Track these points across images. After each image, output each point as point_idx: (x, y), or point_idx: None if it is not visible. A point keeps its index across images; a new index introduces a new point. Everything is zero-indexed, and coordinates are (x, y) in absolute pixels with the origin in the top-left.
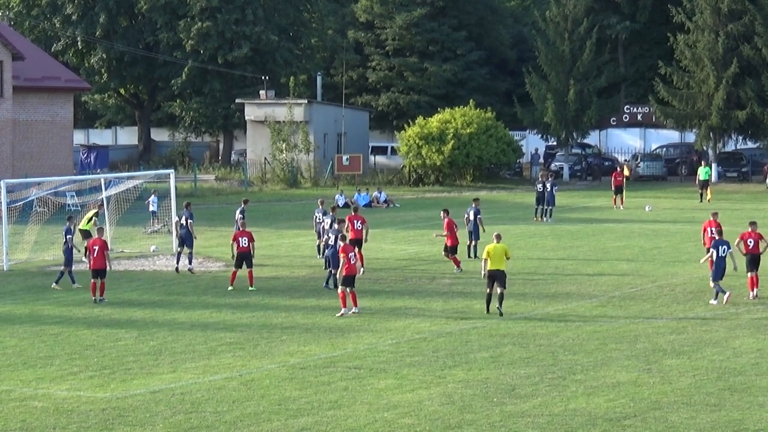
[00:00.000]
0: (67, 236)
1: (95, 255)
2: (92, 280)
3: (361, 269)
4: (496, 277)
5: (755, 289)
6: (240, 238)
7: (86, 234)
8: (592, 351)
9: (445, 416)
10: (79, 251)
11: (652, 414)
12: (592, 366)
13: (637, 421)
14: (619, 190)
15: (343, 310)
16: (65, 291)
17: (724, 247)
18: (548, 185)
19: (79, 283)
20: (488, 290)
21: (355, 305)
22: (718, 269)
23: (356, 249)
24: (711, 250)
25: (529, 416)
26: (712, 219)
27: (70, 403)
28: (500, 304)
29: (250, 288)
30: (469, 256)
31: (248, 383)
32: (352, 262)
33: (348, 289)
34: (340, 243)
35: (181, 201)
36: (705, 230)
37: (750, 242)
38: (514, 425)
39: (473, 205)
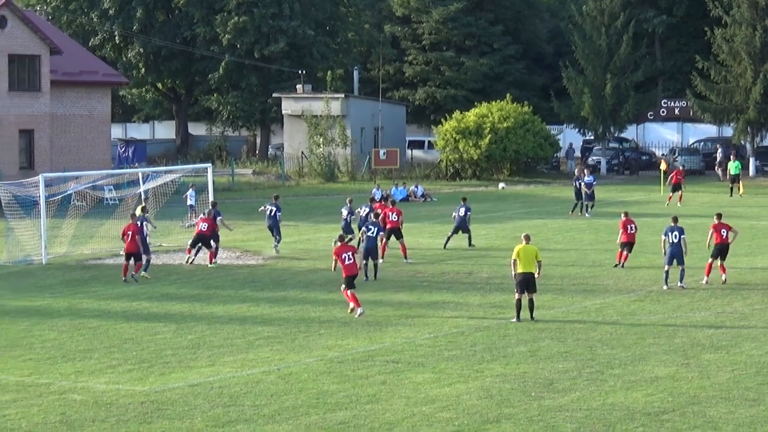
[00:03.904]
0: (143, 226)
1: (129, 239)
2: (124, 262)
3: (405, 260)
4: (527, 281)
5: (724, 276)
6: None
7: None
8: (630, 345)
9: (483, 410)
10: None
11: (690, 409)
12: (630, 360)
13: (676, 416)
14: (677, 188)
15: (359, 309)
16: (146, 281)
17: (676, 233)
18: (582, 181)
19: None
20: (518, 296)
21: (358, 306)
22: (671, 254)
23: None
24: (662, 237)
25: (567, 410)
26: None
27: (109, 396)
28: (531, 312)
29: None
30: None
31: (286, 377)
32: (347, 262)
33: (350, 291)
34: (336, 244)
35: (219, 195)
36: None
37: (723, 233)
38: (552, 419)
39: (463, 203)
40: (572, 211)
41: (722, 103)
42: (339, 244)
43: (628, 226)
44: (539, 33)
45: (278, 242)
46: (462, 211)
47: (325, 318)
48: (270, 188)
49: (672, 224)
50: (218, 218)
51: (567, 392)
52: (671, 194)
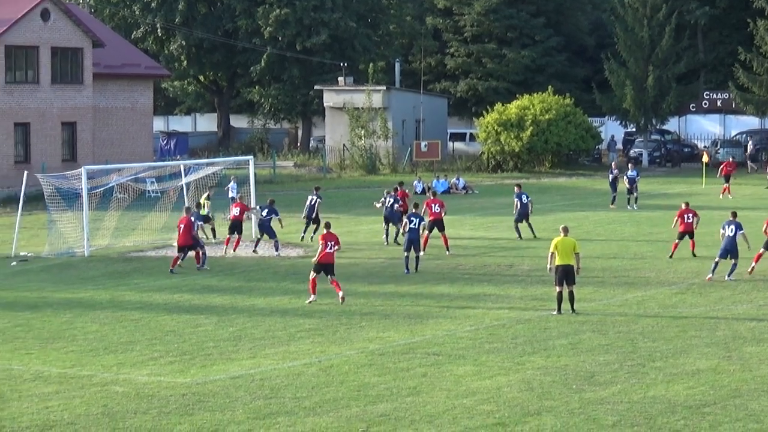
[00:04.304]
0: (197, 222)
1: (180, 232)
2: (176, 254)
3: (447, 252)
4: (566, 273)
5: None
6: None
7: (206, 218)
8: (671, 338)
9: (524, 403)
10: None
11: (732, 402)
12: (671, 353)
13: (717, 409)
14: (728, 179)
15: (312, 297)
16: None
17: (733, 227)
18: (625, 175)
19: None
20: (558, 288)
21: (339, 289)
22: (725, 248)
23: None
24: (720, 230)
25: (608, 403)
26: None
27: (151, 388)
28: (572, 304)
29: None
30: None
31: (327, 369)
32: (328, 250)
33: (330, 277)
34: (324, 231)
35: (260, 188)
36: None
37: (687, 218)
38: (593, 412)
39: (516, 191)
40: (613, 203)
41: (765, 95)
42: (326, 231)
43: (685, 216)
44: (581, 25)
45: (310, 231)
46: (524, 198)
47: (366, 310)
48: (311, 180)
49: (730, 218)
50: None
51: (608, 385)
52: (726, 185)
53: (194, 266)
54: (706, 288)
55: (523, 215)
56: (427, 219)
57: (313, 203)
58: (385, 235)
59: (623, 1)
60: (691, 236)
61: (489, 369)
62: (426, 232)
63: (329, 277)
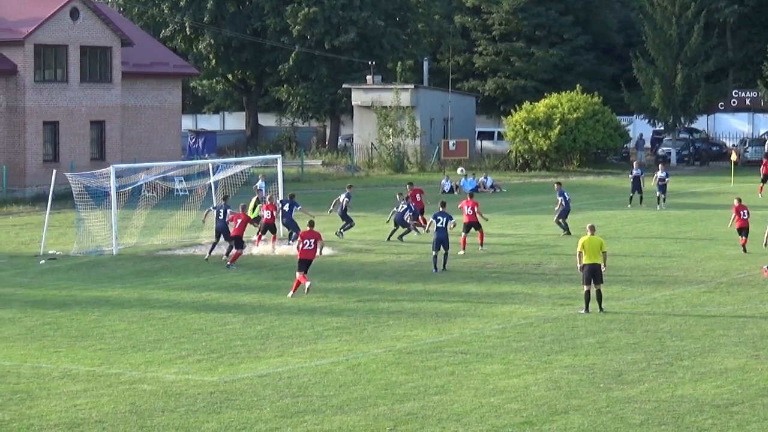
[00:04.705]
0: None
1: (237, 225)
2: (237, 250)
3: (480, 247)
4: (593, 272)
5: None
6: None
7: (256, 221)
8: (699, 337)
9: (551, 401)
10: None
11: (760, 401)
12: (699, 352)
13: (745, 408)
14: (766, 179)
15: (291, 293)
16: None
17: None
18: (657, 174)
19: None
20: (586, 287)
21: (294, 290)
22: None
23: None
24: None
25: (635, 402)
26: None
27: (179, 386)
28: (600, 303)
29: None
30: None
31: (354, 368)
32: (306, 247)
33: (301, 273)
34: (306, 228)
35: (288, 186)
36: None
37: (743, 214)
38: (620, 411)
39: (556, 188)
40: (630, 203)
41: None
42: (309, 228)
43: (741, 212)
44: (609, 23)
45: (345, 229)
46: (566, 195)
47: (393, 309)
48: (339, 179)
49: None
50: (297, 208)
51: (636, 384)
52: (762, 185)
53: (224, 264)
54: (734, 287)
55: (567, 212)
56: (462, 219)
57: (342, 200)
58: (390, 234)
59: None
60: (747, 233)
61: (516, 367)
62: (463, 233)
63: (300, 273)
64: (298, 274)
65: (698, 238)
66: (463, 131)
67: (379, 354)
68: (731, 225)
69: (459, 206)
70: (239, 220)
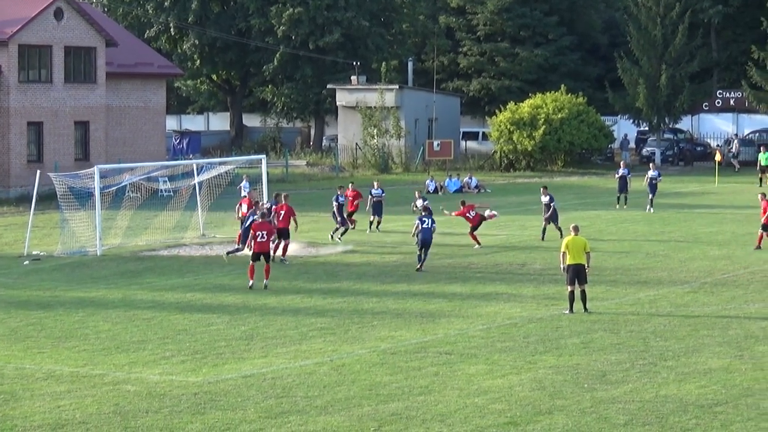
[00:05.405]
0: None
1: (280, 218)
2: (285, 240)
3: (475, 246)
4: (577, 272)
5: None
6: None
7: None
8: (683, 337)
9: (535, 402)
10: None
11: (743, 401)
12: (683, 352)
13: (729, 408)
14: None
15: (250, 281)
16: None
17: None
18: (647, 174)
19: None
20: (570, 288)
21: (267, 278)
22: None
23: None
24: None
25: (619, 402)
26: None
27: (163, 387)
28: (584, 303)
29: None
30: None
31: (339, 368)
32: (259, 240)
33: (266, 263)
34: (257, 219)
35: (273, 186)
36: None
37: None
38: (604, 411)
39: (544, 191)
40: (618, 204)
41: None
42: (260, 220)
43: None
44: (594, 24)
45: (343, 230)
46: (546, 199)
47: (378, 309)
48: (324, 179)
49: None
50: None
51: (620, 384)
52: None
53: (210, 265)
54: (718, 287)
55: (557, 215)
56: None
57: (376, 197)
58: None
59: None
60: None
61: (501, 368)
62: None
63: (254, 263)
64: (251, 263)
65: (682, 239)
66: (448, 132)
67: (363, 354)
68: (763, 221)
69: (454, 214)
70: (282, 212)
